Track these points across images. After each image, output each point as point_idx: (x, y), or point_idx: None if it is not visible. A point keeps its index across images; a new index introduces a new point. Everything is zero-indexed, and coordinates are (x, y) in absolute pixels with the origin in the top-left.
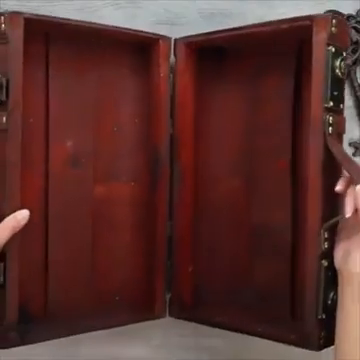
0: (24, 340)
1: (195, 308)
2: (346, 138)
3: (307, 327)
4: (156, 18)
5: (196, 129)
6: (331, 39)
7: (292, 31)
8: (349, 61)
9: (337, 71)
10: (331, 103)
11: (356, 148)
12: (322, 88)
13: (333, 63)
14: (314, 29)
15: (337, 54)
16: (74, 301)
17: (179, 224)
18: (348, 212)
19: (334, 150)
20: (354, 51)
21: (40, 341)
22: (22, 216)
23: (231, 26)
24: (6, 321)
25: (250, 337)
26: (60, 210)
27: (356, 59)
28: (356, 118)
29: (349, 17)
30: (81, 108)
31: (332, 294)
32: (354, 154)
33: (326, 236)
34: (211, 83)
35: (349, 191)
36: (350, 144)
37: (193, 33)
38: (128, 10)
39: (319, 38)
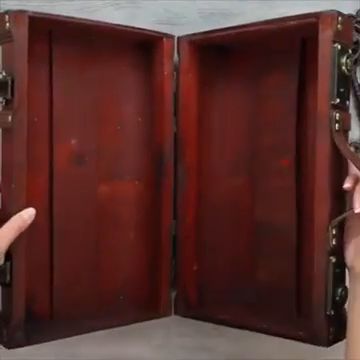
0: (30, 340)
1: (201, 306)
2: None
3: (316, 323)
4: (156, 18)
5: (200, 128)
6: (337, 36)
7: (296, 29)
8: None
9: (343, 68)
10: (337, 100)
11: (356, 148)
12: (328, 85)
13: (339, 60)
14: (320, 26)
15: (343, 51)
16: (79, 300)
17: (183, 223)
18: (358, 208)
19: (341, 147)
20: (354, 51)
21: (46, 341)
22: (28, 215)
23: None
24: (13, 321)
25: (251, 338)
26: (64, 209)
27: (356, 59)
28: (356, 118)
29: (349, 17)
30: (84, 106)
31: (340, 290)
32: None
33: (334, 233)
34: (214, 81)
35: (357, 188)
36: (350, 144)
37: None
38: (128, 10)
39: (325, 35)
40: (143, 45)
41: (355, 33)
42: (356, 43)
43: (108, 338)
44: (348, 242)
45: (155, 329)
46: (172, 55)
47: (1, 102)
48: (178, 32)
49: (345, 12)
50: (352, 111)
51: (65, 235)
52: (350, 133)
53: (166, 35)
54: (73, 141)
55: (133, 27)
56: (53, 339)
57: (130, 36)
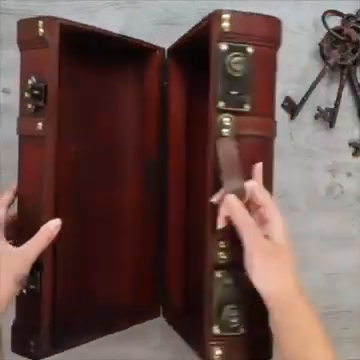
0: (57, 349)
1: (187, 313)
2: (346, 138)
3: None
4: (156, 18)
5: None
6: (222, 36)
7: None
8: (349, 61)
9: (230, 69)
10: (222, 103)
11: (356, 148)
12: (214, 87)
13: (226, 61)
14: (209, 26)
15: (231, 51)
16: (77, 304)
17: (172, 229)
18: (219, 223)
19: (219, 154)
20: (354, 51)
21: (67, 349)
22: (55, 225)
23: None
24: (43, 330)
25: None
26: (64, 213)
27: (356, 59)
28: (356, 118)
29: (349, 17)
30: (81, 113)
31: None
32: (354, 154)
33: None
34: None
35: (222, 202)
36: (350, 144)
37: None
38: (128, 10)
39: (211, 35)
40: (135, 55)
41: (355, 33)
42: (356, 43)
43: (108, 339)
44: (253, 269)
45: (155, 330)
46: (162, 66)
47: (31, 108)
48: (177, 32)
49: (345, 12)
50: (352, 110)
51: (64, 239)
52: (350, 133)
53: (158, 48)
54: (72, 147)
55: (127, 37)
56: (74, 346)
57: (123, 45)
